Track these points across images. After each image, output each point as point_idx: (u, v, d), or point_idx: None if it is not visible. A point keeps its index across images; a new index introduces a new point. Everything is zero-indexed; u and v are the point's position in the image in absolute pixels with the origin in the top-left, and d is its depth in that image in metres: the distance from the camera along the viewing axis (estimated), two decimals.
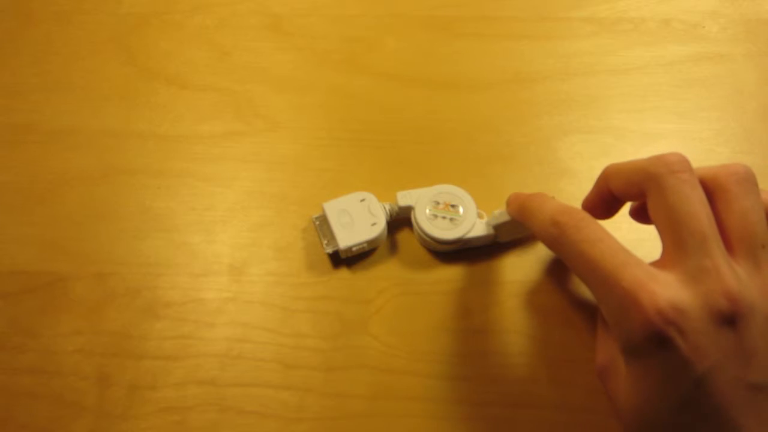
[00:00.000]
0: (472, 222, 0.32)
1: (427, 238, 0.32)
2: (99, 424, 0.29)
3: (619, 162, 0.26)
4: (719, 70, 0.39)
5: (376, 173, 0.35)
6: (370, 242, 0.32)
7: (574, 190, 0.35)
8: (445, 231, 0.31)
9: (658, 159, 0.24)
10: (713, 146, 0.36)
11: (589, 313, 0.31)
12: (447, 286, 0.32)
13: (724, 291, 0.21)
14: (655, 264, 0.23)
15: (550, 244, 0.26)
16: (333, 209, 0.32)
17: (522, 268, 0.32)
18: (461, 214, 0.32)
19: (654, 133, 0.37)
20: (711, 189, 0.24)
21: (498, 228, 0.31)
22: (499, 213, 0.31)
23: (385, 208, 0.32)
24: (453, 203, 0.32)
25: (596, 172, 0.28)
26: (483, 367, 0.30)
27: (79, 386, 0.30)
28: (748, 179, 0.24)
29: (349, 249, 0.31)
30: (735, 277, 0.22)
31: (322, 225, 0.32)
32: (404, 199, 0.33)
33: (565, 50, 0.40)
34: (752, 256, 0.23)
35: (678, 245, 0.23)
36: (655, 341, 0.21)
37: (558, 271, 0.32)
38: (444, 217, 0.32)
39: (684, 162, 0.24)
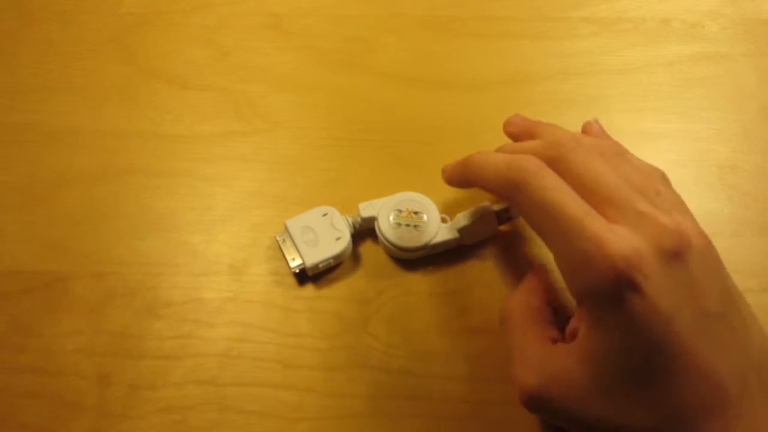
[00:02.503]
0: (436, 227, 0.32)
1: (392, 247, 0.32)
2: (99, 423, 0.29)
3: (481, 160, 0.28)
4: (719, 70, 0.39)
5: (376, 173, 0.35)
6: (336, 257, 0.31)
7: None
8: (409, 238, 0.31)
9: (552, 143, 0.26)
10: (713, 146, 0.36)
11: None
12: (446, 286, 0.32)
13: (666, 229, 0.22)
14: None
15: (508, 192, 0.26)
16: (296, 226, 0.32)
17: (522, 267, 0.32)
18: (425, 221, 0.32)
19: (654, 132, 0.37)
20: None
21: (462, 231, 0.32)
22: (462, 216, 0.32)
23: (348, 221, 0.32)
24: (416, 210, 0.32)
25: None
26: (483, 367, 0.30)
27: (79, 386, 0.30)
28: (622, 150, 0.27)
29: (316, 266, 0.31)
30: (667, 215, 0.23)
31: (286, 243, 0.32)
32: (366, 210, 0.32)
33: (565, 50, 0.40)
34: (659, 203, 0.24)
35: (605, 203, 0.24)
36: (623, 287, 0.22)
37: (556, 270, 0.32)
38: (408, 225, 0.32)
39: (574, 138, 0.26)
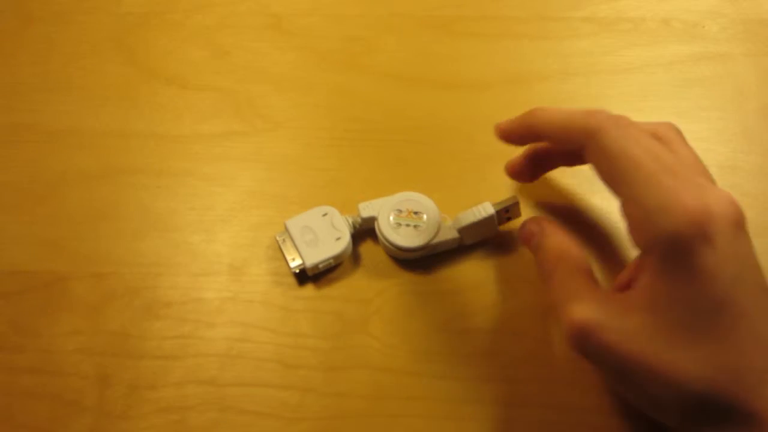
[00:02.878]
0: (436, 227, 0.32)
1: (392, 247, 0.32)
2: (99, 423, 0.29)
3: (549, 110, 0.28)
4: (719, 70, 0.39)
5: (376, 173, 0.35)
6: (336, 257, 0.31)
7: (575, 189, 0.35)
8: (409, 238, 0.31)
9: (601, 113, 0.26)
10: (713, 146, 0.36)
11: None
12: (446, 286, 0.32)
13: (727, 200, 0.23)
14: None
15: (583, 138, 0.26)
16: (296, 226, 0.32)
17: (522, 267, 0.32)
18: (425, 221, 0.32)
19: None
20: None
21: (462, 231, 0.32)
22: (463, 216, 0.31)
23: (348, 221, 0.32)
24: (416, 210, 0.32)
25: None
26: (483, 366, 0.30)
27: (79, 386, 0.30)
28: (679, 132, 0.28)
29: (316, 266, 0.31)
30: (723, 190, 0.24)
31: (286, 243, 0.32)
32: (366, 210, 0.32)
33: (565, 50, 0.40)
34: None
35: (669, 176, 0.24)
36: (698, 238, 0.22)
37: None
38: (408, 225, 0.32)
39: (611, 119, 0.26)
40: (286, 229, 0.32)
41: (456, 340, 0.31)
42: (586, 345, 0.24)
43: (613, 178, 0.25)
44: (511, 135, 0.30)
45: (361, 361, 0.30)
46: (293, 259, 0.31)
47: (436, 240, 0.32)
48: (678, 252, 0.23)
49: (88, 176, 0.36)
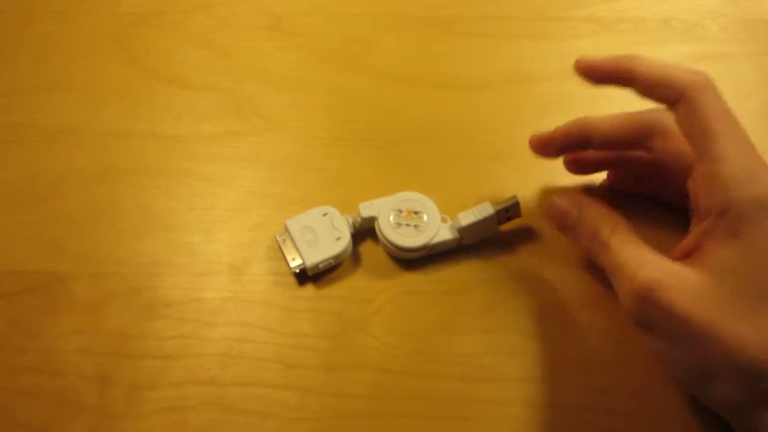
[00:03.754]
0: (436, 227, 0.32)
1: (392, 247, 0.32)
2: (99, 423, 0.29)
3: (648, 60, 0.27)
4: (719, 70, 0.39)
5: (376, 173, 0.35)
6: (336, 257, 0.31)
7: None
8: (410, 238, 0.31)
9: (688, 78, 0.26)
10: None
11: (588, 312, 0.31)
12: (446, 286, 0.32)
13: None
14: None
15: (682, 92, 0.25)
16: (296, 226, 0.32)
17: (522, 267, 0.32)
18: (425, 221, 0.32)
19: None
20: None
21: (462, 231, 0.32)
22: (463, 216, 0.31)
23: (348, 221, 0.32)
24: (416, 210, 0.32)
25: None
26: (483, 367, 0.30)
27: (79, 386, 0.30)
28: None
29: (316, 266, 0.31)
30: None
31: (286, 243, 0.32)
32: (366, 210, 0.32)
33: (565, 50, 0.40)
34: None
35: (730, 135, 0.25)
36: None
37: (557, 270, 0.32)
38: (408, 225, 0.32)
39: (710, 80, 0.26)
40: (286, 229, 0.32)
41: (456, 340, 0.31)
42: (651, 304, 0.24)
43: (705, 135, 0.25)
44: (595, 71, 0.29)
45: (361, 361, 0.30)
46: (293, 259, 0.31)
47: (436, 240, 0.32)
48: (757, 219, 0.23)
49: (88, 176, 0.36)
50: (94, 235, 0.34)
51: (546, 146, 0.32)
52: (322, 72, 0.39)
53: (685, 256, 0.25)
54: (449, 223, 0.32)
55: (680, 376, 0.26)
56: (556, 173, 0.35)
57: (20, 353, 0.31)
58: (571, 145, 0.31)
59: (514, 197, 0.32)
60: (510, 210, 0.32)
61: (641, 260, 0.25)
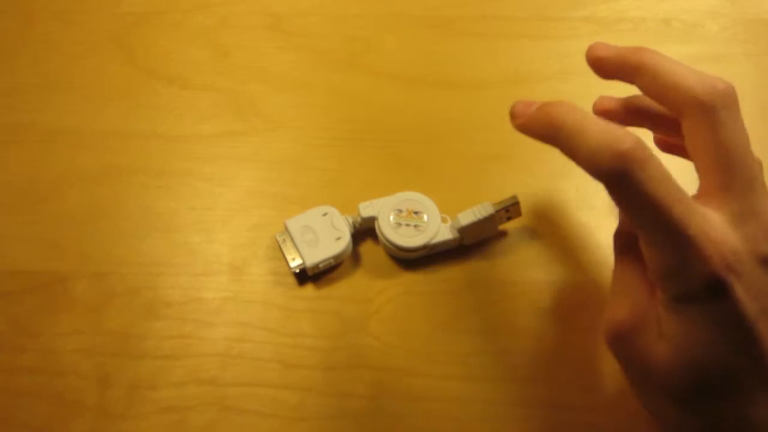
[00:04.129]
0: (436, 227, 0.32)
1: (393, 247, 0.32)
2: (99, 423, 0.29)
3: (661, 59, 0.25)
4: (719, 70, 0.39)
5: (376, 173, 0.35)
6: (336, 257, 0.32)
7: (574, 190, 0.35)
8: (410, 238, 0.31)
9: (712, 86, 0.23)
10: None
11: (587, 312, 0.31)
12: (447, 286, 0.32)
13: (753, 236, 0.22)
14: (696, 199, 0.22)
15: (605, 178, 0.22)
16: (296, 226, 0.32)
17: (522, 267, 0.32)
18: (425, 221, 0.32)
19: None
20: None
21: (462, 231, 0.32)
22: (463, 216, 0.31)
23: (348, 220, 0.32)
24: (416, 210, 0.32)
25: None
26: (483, 367, 0.30)
27: (79, 386, 0.30)
28: (737, 103, 0.24)
29: (316, 266, 0.31)
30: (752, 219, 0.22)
31: (286, 243, 0.32)
32: (366, 210, 0.32)
33: (565, 50, 0.40)
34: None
35: (726, 186, 0.22)
36: (716, 288, 0.21)
37: (557, 270, 0.32)
38: (408, 225, 0.32)
39: (734, 94, 0.23)
40: (286, 229, 0.32)
41: (456, 340, 0.31)
42: (619, 345, 0.24)
43: (634, 223, 0.22)
44: (527, 132, 0.26)
45: (361, 361, 0.30)
46: (293, 259, 0.31)
47: (436, 240, 0.32)
48: (692, 304, 0.22)
49: (88, 176, 0.36)
50: (94, 235, 0.34)
51: (600, 64, 0.28)
52: (322, 72, 0.39)
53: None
54: (449, 223, 0.32)
55: (645, 406, 0.26)
56: (557, 173, 0.35)
57: (20, 353, 0.31)
58: (623, 76, 0.27)
59: (514, 197, 0.32)
60: (510, 210, 0.32)
61: (625, 295, 0.24)
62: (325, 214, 0.32)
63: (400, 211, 0.32)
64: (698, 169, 0.23)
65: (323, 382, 0.30)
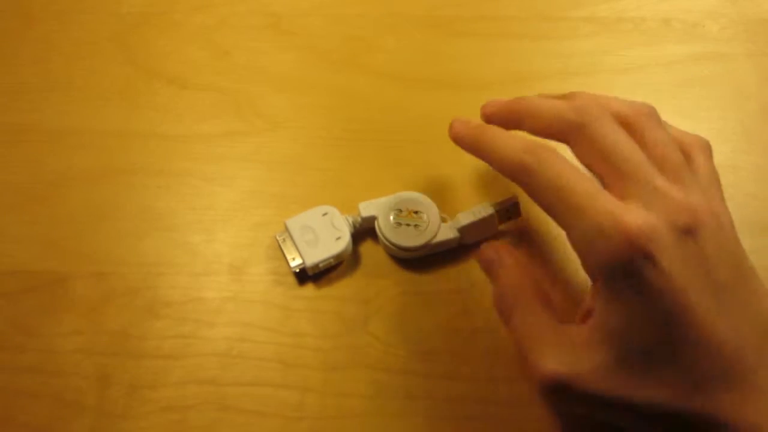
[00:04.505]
0: (436, 227, 0.32)
1: (393, 247, 0.32)
2: (99, 423, 0.29)
3: (533, 99, 0.28)
4: (719, 70, 0.39)
5: (376, 173, 0.35)
6: (336, 257, 0.31)
7: None
8: (410, 238, 0.31)
9: (578, 109, 0.26)
10: (713, 146, 0.36)
11: None
12: (447, 286, 0.32)
13: (681, 206, 0.23)
14: None
15: (518, 176, 0.26)
16: (296, 225, 0.32)
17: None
18: (425, 220, 0.32)
19: None
20: (625, 126, 0.26)
21: (462, 230, 0.32)
22: (463, 215, 0.32)
23: (348, 220, 0.32)
24: (416, 210, 0.32)
25: None
26: (483, 367, 0.30)
27: (79, 386, 0.30)
28: (653, 115, 0.27)
29: (316, 266, 0.31)
30: (683, 192, 0.24)
31: (286, 243, 0.32)
32: (366, 209, 0.32)
33: (565, 50, 0.40)
34: (679, 177, 0.24)
35: (622, 178, 0.24)
36: (638, 258, 0.22)
37: (557, 270, 0.32)
38: (408, 225, 0.32)
39: (600, 106, 0.26)
40: (286, 229, 0.32)
41: (456, 340, 0.31)
42: (557, 395, 0.24)
43: (551, 212, 0.25)
44: (461, 143, 0.30)
45: (361, 361, 0.30)
46: (293, 259, 0.31)
47: (436, 240, 0.32)
48: (619, 277, 0.22)
49: (88, 176, 0.36)
50: (94, 235, 0.34)
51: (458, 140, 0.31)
52: (322, 72, 0.39)
53: (587, 317, 0.25)
54: (449, 222, 0.32)
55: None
56: None
57: (20, 353, 0.31)
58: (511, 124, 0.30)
59: (515, 197, 0.32)
60: (510, 210, 0.32)
61: (544, 346, 0.25)
62: (325, 214, 0.32)
63: (400, 210, 0.32)
64: (602, 181, 0.25)
65: (323, 382, 0.30)
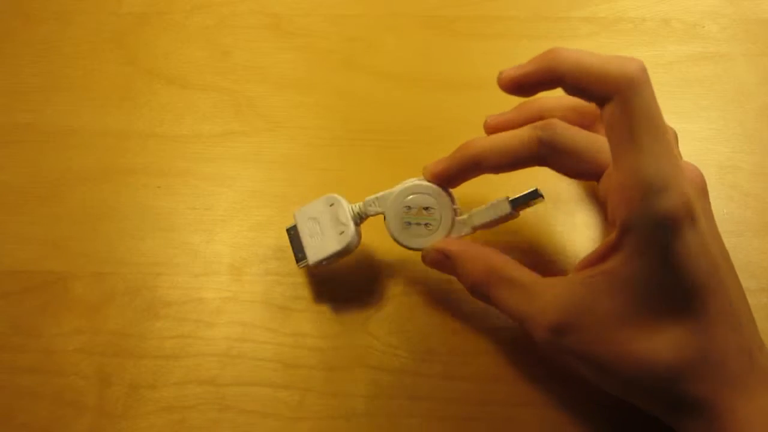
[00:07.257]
0: (449, 224, 0.30)
1: (402, 247, 0.31)
2: (99, 423, 0.29)
3: (574, 53, 0.25)
4: (719, 70, 0.39)
5: (376, 173, 0.35)
6: (339, 253, 0.30)
7: (573, 190, 0.35)
8: (420, 238, 0.30)
9: (625, 72, 0.24)
10: (713, 146, 0.36)
11: None
12: (447, 286, 0.32)
13: (696, 171, 0.25)
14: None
15: (623, 92, 0.24)
16: (303, 218, 0.31)
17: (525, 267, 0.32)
18: (437, 218, 0.30)
19: None
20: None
21: (477, 228, 0.30)
22: (477, 213, 0.30)
23: (353, 210, 0.31)
24: (426, 206, 0.30)
25: None
26: (483, 366, 0.30)
27: (79, 386, 0.30)
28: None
29: (320, 263, 0.30)
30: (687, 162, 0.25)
31: (295, 237, 0.31)
32: (372, 207, 0.31)
33: None
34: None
35: (653, 143, 0.23)
36: (687, 220, 0.22)
37: (560, 270, 0.32)
38: (419, 224, 0.30)
39: (645, 69, 0.25)
40: (295, 221, 0.31)
41: (456, 340, 0.31)
42: (557, 345, 0.24)
43: (628, 141, 0.23)
44: (445, 176, 0.29)
45: (361, 360, 0.30)
46: (299, 254, 0.31)
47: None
48: (665, 233, 0.22)
49: (88, 176, 0.36)
50: (94, 235, 0.34)
51: (519, 86, 0.30)
52: (322, 72, 0.39)
53: (587, 265, 0.25)
54: (464, 216, 0.30)
55: (607, 389, 0.26)
56: (556, 174, 0.35)
57: (20, 353, 0.31)
58: (544, 83, 0.28)
59: (537, 191, 0.30)
60: (531, 205, 0.30)
61: (541, 297, 0.25)
62: (332, 204, 0.31)
63: (410, 208, 0.31)
64: (621, 143, 0.23)
65: (323, 382, 0.30)
